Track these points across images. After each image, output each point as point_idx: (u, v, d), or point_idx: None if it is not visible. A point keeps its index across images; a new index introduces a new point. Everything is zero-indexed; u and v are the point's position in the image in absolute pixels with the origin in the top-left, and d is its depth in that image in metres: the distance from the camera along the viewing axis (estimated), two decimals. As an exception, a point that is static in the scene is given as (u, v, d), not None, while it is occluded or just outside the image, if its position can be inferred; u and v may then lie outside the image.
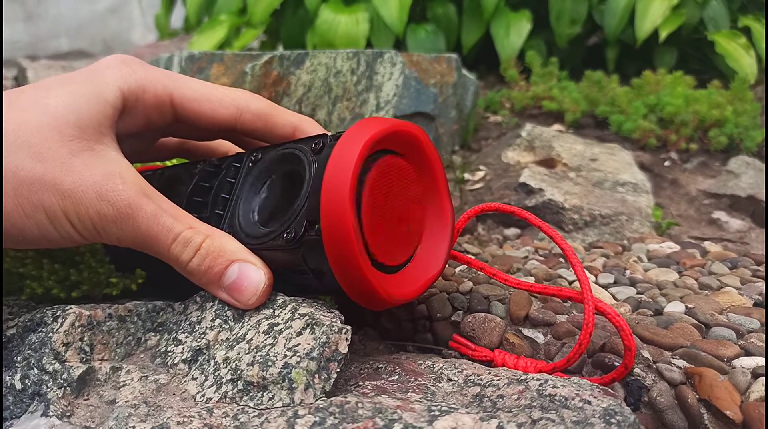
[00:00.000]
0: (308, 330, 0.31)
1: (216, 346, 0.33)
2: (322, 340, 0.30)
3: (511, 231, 0.74)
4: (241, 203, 0.37)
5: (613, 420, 0.25)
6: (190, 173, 0.41)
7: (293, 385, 0.29)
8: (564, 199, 0.74)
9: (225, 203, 0.38)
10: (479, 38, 1.36)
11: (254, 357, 0.30)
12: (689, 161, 0.95)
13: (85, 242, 0.34)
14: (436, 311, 0.43)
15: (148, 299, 0.39)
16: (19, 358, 0.34)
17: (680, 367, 0.35)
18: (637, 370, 0.35)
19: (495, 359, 0.37)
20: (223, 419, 0.28)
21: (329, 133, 0.35)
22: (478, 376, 0.32)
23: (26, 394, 0.33)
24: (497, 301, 0.43)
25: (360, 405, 0.28)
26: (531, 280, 0.48)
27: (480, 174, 0.89)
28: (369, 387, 0.32)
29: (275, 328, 0.32)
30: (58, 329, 0.34)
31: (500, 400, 0.30)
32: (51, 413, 0.31)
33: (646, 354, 0.36)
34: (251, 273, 0.33)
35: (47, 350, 0.33)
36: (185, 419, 0.28)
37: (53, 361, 0.33)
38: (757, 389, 0.32)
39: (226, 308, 0.35)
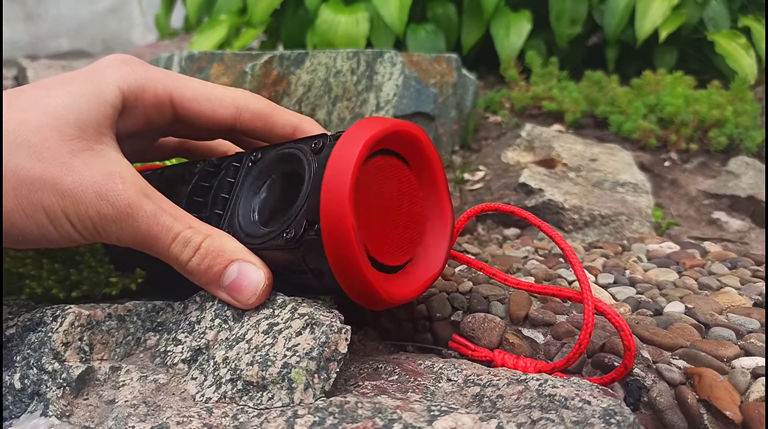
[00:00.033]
0: (308, 330, 0.31)
1: (215, 346, 0.33)
2: (321, 339, 0.30)
3: (511, 231, 0.74)
4: (241, 203, 0.37)
5: (612, 420, 0.25)
6: (189, 173, 0.41)
7: (293, 385, 0.29)
8: (564, 199, 0.74)
9: (225, 203, 0.38)
10: (479, 38, 1.36)
11: (254, 357, 0.30)
12: (689, 161, 0.95)
13: (85, 242, 0.34)
14: (435, 311, 0.43)
15: (147, 299, 0.39)
16: (18, 357, 0.34)
17: (680, 368, 0.35)
18: (636, 370, 0.35)
19: (495, 359, 0.37)
20: (223, 419, 0.28)
21: (329, 133, 0.35)
22: (478, 376, 0.32)
23: (25, 394, 0.33)
24: (497, 301, 0.43)
25: (359, 405, 0.28)
26: (531, 280, 0.48)
27: (480, 174, 0.89)
28: (368, 387, 0.32)
29: (275, 328, 0.32)
30: (57, 329, 0.34)
31: (500, 400, 0.30)
32: (50, 413, 0.31)
33: (645, 354, 0.36)
34: (251, 273, 0.33)
35: (47, 350, 0.33)
36: (185, 419, 0.28)
37: (53, 361, 0.33)
38: (757, 389, 0.32)
39: (225, 308, 0.35)
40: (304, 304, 0.33)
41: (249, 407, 0.29)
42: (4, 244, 0.33)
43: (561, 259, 0.55)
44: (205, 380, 0.31)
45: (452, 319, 0.43)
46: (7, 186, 0.31)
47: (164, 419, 0.28)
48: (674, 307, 0.43)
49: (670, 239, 0.65)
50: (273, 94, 0.84)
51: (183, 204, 0.36)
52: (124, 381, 0.32)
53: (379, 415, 0.27)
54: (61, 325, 0.34)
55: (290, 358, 0.29)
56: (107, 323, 0.35)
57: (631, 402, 0.34)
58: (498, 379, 0.31)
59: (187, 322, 0.36)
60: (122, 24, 3.19)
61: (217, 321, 0.34)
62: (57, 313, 0.35)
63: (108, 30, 3.16)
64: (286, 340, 0.31)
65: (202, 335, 0.34)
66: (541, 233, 0.71)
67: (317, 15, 1.26)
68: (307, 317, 0.32)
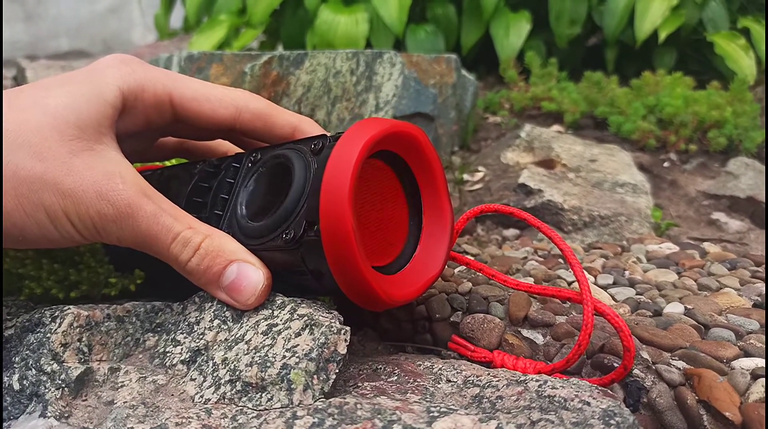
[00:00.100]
0: (307, 331, 0.31)
1: (215, 347, 0.33)
2: (320, 340, 0.30)
3: (510, 232, 0.74)
4: (241, 204, 0.37)
5: (612, 421, 0.25)
6: (189, 173, 0.41)
7: (292, 386, 0.29)
8: (563, 199, 0.74)
9: (224, 203, 0.38)
10: (479, 39, 1.36)
11: (253, 358, 0.30)
12: (688, 162, 0.95)
13: (85, 242, 0.34)
14: (435, 312, 0.43)
15: (146, 300, 0.39)
16: (17, 358, 0.34)
17: (679, 368, 0.35)
18: (636, 371, 0.35)
19: (494, 360, 0.37)
20: (222, 420, 0.28)
21: (328, 134, 0.35)
22: (477, 377, 0.32)
23: (24, 395, 0.33)
24: (496, 301, 0.43)
25: (359, 406, 0.28)
26: (530, 280, 0.48)
27: (479, 175, 0.89)
28: (368, 388, 0.32)
29: (274, 329, 0.32)
30: (56, 330, 0.34)
31: (499, 401, 0.30)
32: (49, 414, 0.31)
33: (645, 355, 0.36)
34: (250, 273, 0.33)
35: (45, 351, 0.33)
36: (184, 420, 0.28)
37: (51, 362, 0.33)
38: (757, 390, 0.32)
39: (224, 309, 0.35)
40: (304, 305, 0.33)
41: (248, 408, 0.29)
42: (4, 244, 0.33)
43: (560, 260, 0.55)
44: (204, 381, 0.31)
45: (452, 319, 0.43)
46: (8, 186, 0.31)
47: (163, 420, 0.28)
48: (674, 308, 0.43)
49: (669, 240, 0.65)
50: (272, 94, 0.84)
51: (183, 204, 0.36)
52: (122, 382, 0.32)
53: (379, 416, 0.27)
54: (59, 326, 0.34)
55: (289, 359, 0.29)
56: (106, 324, 0.35)
57: (630, 403, 0.34)
58: (497, 380, 0.31)
59: (186, 323, 0.35)
60: (122, 24, 3.19)
61: (216, 322, 0.34)
62: (56, 314, 0.35)
63: (108, 30, 3.16)
64: (285, 341, 0.31)
65: (201, 336, 0.34)
66: (541, 234, 0.71)
67: (317, 15, 1.26)
68: (306, 318, 0.32)
